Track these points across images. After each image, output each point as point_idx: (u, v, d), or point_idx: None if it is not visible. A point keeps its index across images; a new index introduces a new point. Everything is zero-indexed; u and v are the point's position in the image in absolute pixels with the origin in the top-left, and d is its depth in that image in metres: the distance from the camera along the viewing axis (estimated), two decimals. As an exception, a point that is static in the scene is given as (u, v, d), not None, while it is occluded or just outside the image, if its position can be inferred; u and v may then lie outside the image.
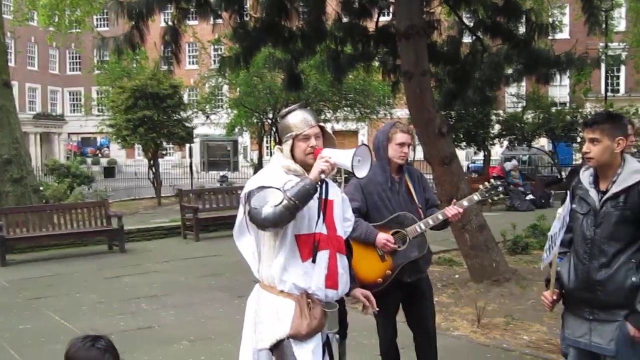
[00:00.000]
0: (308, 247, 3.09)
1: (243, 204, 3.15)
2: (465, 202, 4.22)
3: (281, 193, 2.98)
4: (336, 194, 3.28)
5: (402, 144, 4.18)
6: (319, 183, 3.03)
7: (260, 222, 3.00)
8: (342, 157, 3.02)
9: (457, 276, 8.82)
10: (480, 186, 4.32)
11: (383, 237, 4.10)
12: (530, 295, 7.61)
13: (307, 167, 3.13)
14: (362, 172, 3.06)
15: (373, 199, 4.18)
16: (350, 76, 20.06)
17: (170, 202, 21.26)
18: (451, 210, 4.11)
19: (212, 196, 14.29)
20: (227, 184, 26.19)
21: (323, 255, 3.12)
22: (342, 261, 3.21)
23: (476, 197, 4.27)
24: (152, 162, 22.19)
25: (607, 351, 3.15)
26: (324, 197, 3.11)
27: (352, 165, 2.99)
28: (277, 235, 3.11)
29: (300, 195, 2.95)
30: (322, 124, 3.27)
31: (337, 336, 3.26)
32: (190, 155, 26.54)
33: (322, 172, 3.00)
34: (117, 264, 10.77)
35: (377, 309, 3.45)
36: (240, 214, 3.20)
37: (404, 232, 4.17)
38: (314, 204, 3.07)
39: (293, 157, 3.20)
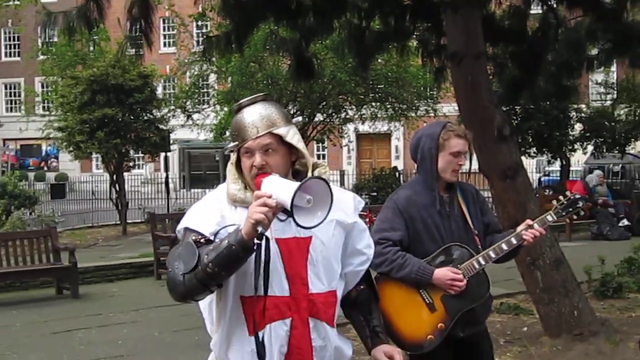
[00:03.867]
0: (257, 314, 2.93)
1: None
2: (537, 225, 4.28)
3: (197, 251, 2.80)
4: (325, 228, 2.94)
5: (458, 154, 4.21)
6: (256, 240, 2.75)
7: (170, 291, 2.92)
8: (285, 191, 2.70)
9: (525, 329, 8.92)
10: (554, 201, 4.42)
11: (446, 275, 4.11)
12: (626, 354, 7.54)
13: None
14: (310, 221, 2.74)
15: (415, 227, 4.20)
16: (379, 60, 20.29)
17: (140, 230, 21.79)
18: (529, 232, 4.20)
19: (195, 222, 15.55)
20: (215, 206, 26.29)
21: (277, 329, 2.94)
22: (319, 330, 3.01)
23: (550, 217, 4.34)
24: (115, 177, 22.44)
25: None
26: (264, 256, 2.84)
27: (292, 205, 2.65)
28: (219, 292, 2.99)
29: (222, 263, 2.77)
30: (281, 130, 2.97)
31: None
32: (166, 168, 26.13)
33: (258, 223, 2.70)
34: (68, 314, 10.85)
35: None
36: None
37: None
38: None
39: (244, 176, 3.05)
